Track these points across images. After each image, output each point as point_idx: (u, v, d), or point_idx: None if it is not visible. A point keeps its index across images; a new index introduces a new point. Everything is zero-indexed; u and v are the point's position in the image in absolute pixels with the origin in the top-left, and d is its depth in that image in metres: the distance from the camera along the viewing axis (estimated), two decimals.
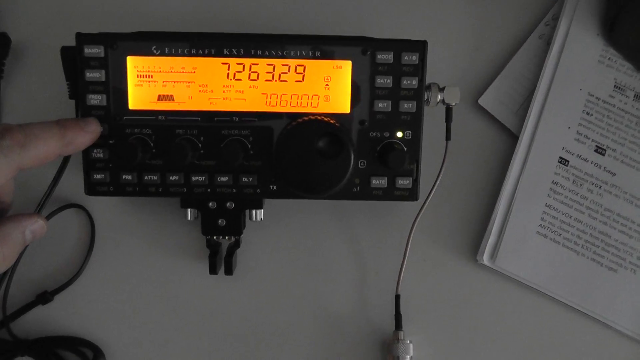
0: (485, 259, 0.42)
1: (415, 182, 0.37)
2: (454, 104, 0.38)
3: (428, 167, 0.39)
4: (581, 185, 0.44)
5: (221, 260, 0.41)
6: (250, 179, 0.37)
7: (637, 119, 0.45)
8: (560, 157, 0.44)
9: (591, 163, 0.44)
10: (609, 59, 0.45)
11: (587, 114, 0.44)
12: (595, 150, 0.44)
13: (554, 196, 0.43)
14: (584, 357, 0.43)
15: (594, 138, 0.44)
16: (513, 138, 0.44)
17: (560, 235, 0.43)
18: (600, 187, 0.44)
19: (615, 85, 0.45)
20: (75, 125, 0.34)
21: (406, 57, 0.36)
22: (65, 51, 0.37)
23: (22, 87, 0.45)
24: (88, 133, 0.34)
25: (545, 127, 0.44)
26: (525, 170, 0.43)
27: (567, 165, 0.44)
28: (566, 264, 0.43)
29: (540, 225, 0.43)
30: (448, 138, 0.39)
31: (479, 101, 0.44)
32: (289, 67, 0.36)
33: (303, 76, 0.36)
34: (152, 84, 0.37)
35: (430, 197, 0.39)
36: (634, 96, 0.45)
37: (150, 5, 0.45)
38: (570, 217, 0.43)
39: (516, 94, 0.45)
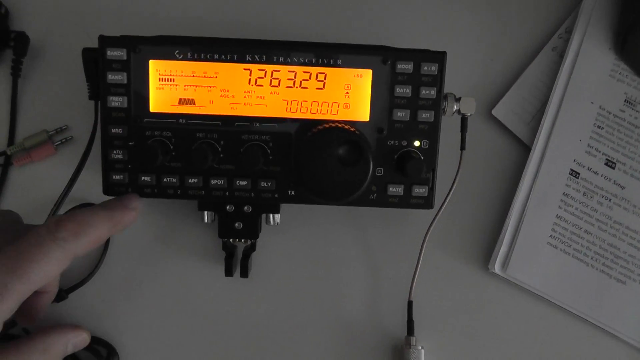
0: (497, 267, 0.43)
1: (432, 190, 0.38)
2: (469, 114, 0.39)
3: (442, 176, 0.40)
4: (591, 197, 0.44)
5: (237, 262, 0.41)
6: (269, 184, 0.37)
7: None
8: (572, 169, 0.44)
9: (601, 176, 0.45)
10: (620, 73, 0.46)
11: (598, 127, 0.45)
12: (606, 164, 0.45)
13: (564, 207, 0.44)
14: None
15: (605, 151, 0.45)
16: (525, 149, 0.45)
17: (570, 246, 0.44)
18: (610, 199, 0.44)
19: (625, 100, 0.45)
20: (120, 205, 0.35)
21: (425, 68, 0.37)
22: (87, 53, 0.38)
23: (39, 86, 0.45)
24: (132, 210, 0.35)
25: (557, 139, 0.44)
26: (537, 181, 0.44)
27: (577, 178, 0.44)
28: (576, 274, 0.43)
29: (551, 235, 0.44)
30: (463, 148, 0.40)
31: (493, 112, 0.45)
32: (310, 74, 0.37)
33: (324, 83, 0.37)
34: (173, 87, 0.37)
35: (444, 206, 0.40)
36: None
37: (170, 9, 0.45)
38: (581, 229, 0.44)
39: (529, 106, 0.45)
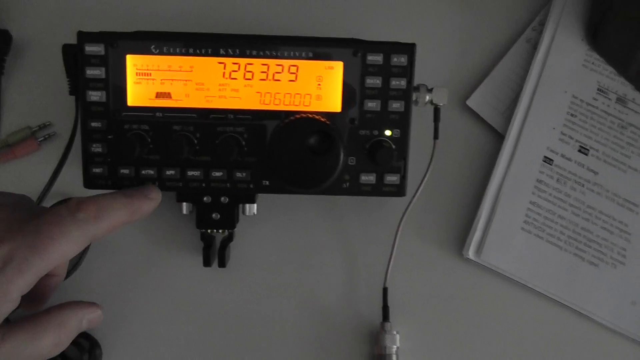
0: (471, 253, 0.44)
1: (403, 178, 0.39)
2: (442, 104, 0.40)
3: (417, 165, 0.41)
4: (565, 183, 0.45)
5: (215, 253, 0.42)
6: (244, 175, 0.38)
7: (619, 120, 0.46)
8: (545, 157, 0.45)
9: (575, 162, 0.46)
10: (593, 63, 0.47)
11: (572, 115, 0.46)
12: (579, 150, 0.46)
13: (538, 193, 0.45)
14: (566, 347, 0.44)
15: (578, 138, 0.46)
16: (499, 138, 0.46)
17: (544, 231, 0.45)
18: (583, 185, 0.45)
19: (598, 88, 0.46)
20: (140, 194, 0.36)
21: (395, 59, 0.37)
22: (67, 49, 0.38)
23: (22, 84, 0.46)
24: (152, 200, 0.36)
25: (530, 127, 0.45)
26: (510, 168, 0.45)
27: (551, 164, 0.45)
28: (549, 258, 0.44)
29: (524, 221, 0.44)
30: (436, 137, 0.41)
31: (467, 102, 0.46)
32: (283, 67, 0.37)
33: (296, 76, 0.37)
34: (150, 81, 0.38)
35: (418, 194, 0.41)
36: (616, 99, 0.46)
37: (150, 5, 0.46)
38: (554, 214, 0.45)
39: (503, 96, 0.46)
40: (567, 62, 0.46)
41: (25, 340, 0.31)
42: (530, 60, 0.46)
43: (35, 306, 0.36)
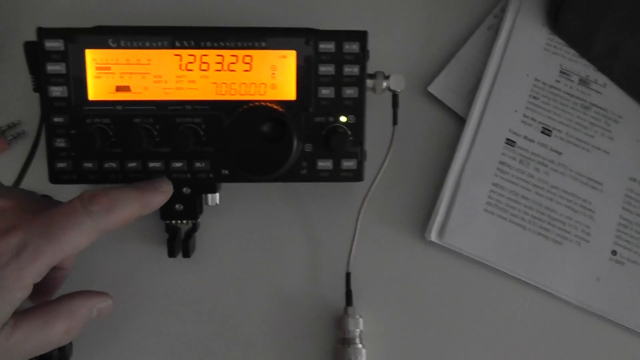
0: (433, 236, 0.44)
1: (360, 163, 0.39)
2: (399, 90, 0.40)
3: (380, 150, 0.41)
4: (528, 164, 0.46)
5: (180, 244, 0.43)
6: (204, 164, 0.39)
7: (582, 101, 0.47)
8: (507, 139, 0.46)
9: (538, 143, 0.46)
10: (555, 46, 0.47)
11: (534, 97, 0.46)
12: (542, 132, 0.46)
13: (501, 175, 0.45)
14: (531, 325, 0.45)
15: (541, 120, 0.46)
16: (462, 122, 0.46)
17: (507, 211, 0.45)
18: (547, 165, 0.46)
19: (561, 71, 0.47)
20: (151, 187, 0.36)
21: (347, 46, 0.38)
22: (28, 46, 0.39)
23: None
24: (162, 193, 0.37)
25: (492, 110, 0.46)
26: (472, 151, 0.45)
27: (514, 146, 0.46)
28: (513, 238, 0.45)
29: (487, 202, 0.45)
30: (395, 123, 0.41)
31: (429, 88, 0.46)
32: (237, 57, 0.38)
33: (251, 66, 0.38)
34: (110, 75, 0.39)
35: (378, 178, 0.41)
36: (579, 80, 0.47)
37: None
38: (517, 195, 0.45)
39: (465, 82, 0.47)
40: (528, 46, 0.47)
41: (37, 327, 0.31)
42: (492, 47, 0.47)
43: (42, 298, 0.37)
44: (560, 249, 0.45)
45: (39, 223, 0.31)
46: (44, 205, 0.34)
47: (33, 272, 0.30)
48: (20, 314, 0.31)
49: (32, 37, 0.39)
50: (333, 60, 0.38)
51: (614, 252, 0.45)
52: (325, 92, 0.38)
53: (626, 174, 0.46)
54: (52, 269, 0.32)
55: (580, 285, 0.45)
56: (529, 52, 0.47)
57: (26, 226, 0.30)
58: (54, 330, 0.32)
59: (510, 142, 0.46)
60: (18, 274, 0.29)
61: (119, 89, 0.39)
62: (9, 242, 0.30)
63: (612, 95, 0.47)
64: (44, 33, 0.38)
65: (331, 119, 0.39)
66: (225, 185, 0.42)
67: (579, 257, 0.45)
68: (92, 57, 0.38)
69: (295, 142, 0.36)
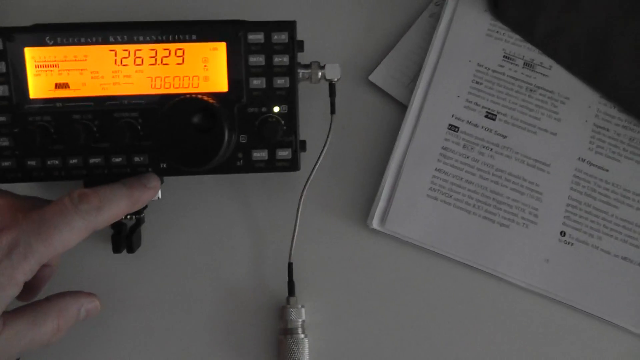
0: (375, 223, 0.45)
1: (295, 153, 0.40)
2: (335, 79, 0.41)
3: (321, 140, 0.42)
4: (472, 149, 0.46)
5: (124, 239, 0.43)
6: (142, 159, 0.39)
7: (526, 84, 0.47)
8: (450, 124, 0.46)
9: (482, 128, 0.46)
10: (497, 32, 0.47)
11: (477, 83, 0.47)
12: (486, 116, 0.46)
13: (444, 161, 0.46)
14: (480, 309, 0.45)
15: (484, 105, 0.47)
16: (404, 110, 0.46)
17: (451, 197, 0.45)
18: (492, 149, 0.46)
19: (504, 56, 0.47)
20: (139, 183, 0.37)
21: (276, 37, 0.38)
22: None
23: None
24: (150, 189, 0.38)
25: (434, 96, 0.46)
26: (414, 137, 0.46)
27: (457, 132, 0.46)
28: (457, 223, 0.45)
29: (430, 188, 0.45)
30: (332, 112, 0.41)
31: (370, 77, 0.47)
32: (170, 51, 0.38)
33: (183, 59, 0.38)
34: (49, 73, 0.39)
35: (316, 167, 0.42)
36: (524, 64, 0.47)
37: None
38: (461, 179, 0.46)
39: (407, 70, 0.47)
40: (470, 32, 0.47)
41: (26, 326, 0.32)
42: (433, 35, 0.47)
43: (29, 295, 0.37)
44: (507, 231, 0.45)
45: (29, 222, 0.32)
46: (34, 204, 0.35)
47: (25, 270, 0.31)
48: (9, 313, 0.32)
49: None
50: (263, 50, 0.38)
51: (562, 233, 0.45)
52: (257, 82, 0.39)
53: (574, 154, 0.47)
54: (40, 267, 0.33)
55: (529, 268, 0.45)
56: (471, 38, 0.47)
57: (17, 225, 0.31)
58: (43, 329, 0.33)
59: (453, 128, 0.46)
60: (10, 272, 0.30)
61: (58, 86, 0.39)
62: (1, 240, 0.31)
63: (558, 77, 0.48)
64: None
65: (264, 109, 0.39)
66: (168, 180, 0.43)
67: (527, 240, 0.45)
68: (31, 55, 0.39)
69: (226, 132, 0.37)
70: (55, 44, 0.39)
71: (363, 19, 0.47)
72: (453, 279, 0.45)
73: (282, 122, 0.39)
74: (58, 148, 0.40)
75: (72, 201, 0.33)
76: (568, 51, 0.47)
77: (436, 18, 0.48)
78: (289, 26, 0.38)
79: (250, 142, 0.39)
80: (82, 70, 0.39)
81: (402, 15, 0.48)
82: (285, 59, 0.39)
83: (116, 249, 0.42)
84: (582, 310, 0.45)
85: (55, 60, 0.39)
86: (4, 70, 0.39)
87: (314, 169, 0.42)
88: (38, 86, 0.39)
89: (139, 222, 0.43)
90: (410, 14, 0.48)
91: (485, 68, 0.47)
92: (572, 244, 0.45)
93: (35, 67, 0.39)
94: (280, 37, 0.38)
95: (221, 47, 0.38)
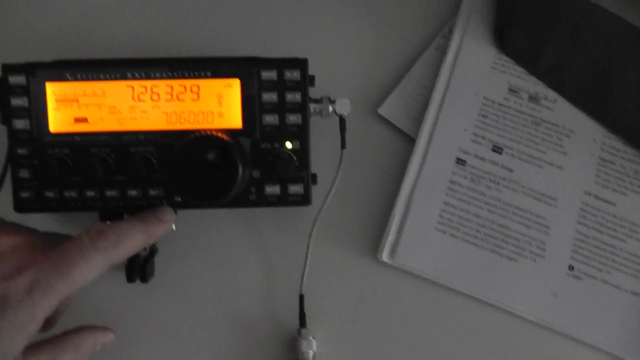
0: (385, 256, 0.45)
1: (307, 188, 0.40)
2: (346, 114, 0.42)
3: (331, 174, 0.42)
4: (479, 182, 0.47)
5: (138, 269, 0.44)
6: (157, 192, 0.40)
7: (532, 117, 0.48)
8: (458, 158, 0.47)
9: (489, 161, 0.47)
10: (502, 65, 0.48)
11: (483, 116, 0.47)
12: (492, 150, 0.47)
13: (452, 194, 0.46)
14: (489, 343, 0.45)
15: (491, 138, 0.47)
16: (413, 143, 0.47)
17: (459, 230, 0.46)
18: (499, 183, 0.47)
19: (509, 89, 0.48)
20: (154, 217, 0.38)
21: (288, 74, 0.39)
22: None
23: None
24: (165, 223, 0.39)
25: (441, 130, 0.47)
26: (422, 171, 0.46)
27: (464, 165, 0.47)
28: (466, 257, 0.45)
29: (439, 222, 0.46)
30: (343, 146, 0.42)
31: (379, 110, 0.48)
32: (185, 87, 0.40)
33: (198, 95, 0.40)
34: (68, 107, 0.40)
35: (327, 201, 0.42)
36: (529, 97, 0.48)
37: (70, 35, 0.49)
38: (469, 213, 0.46)
39: (415, 102, 0.48)
40: (476, 65, 0.48)
41: None
42: (440, 67, 0.48)
43: (47, 328, 0.38)
44: (515, 265, 0.46)
45: (49, 260, 0.33)
46: (52, 241, 0.36)
47: (45, 308, 0.32)
48: (30, 348, 0.33)
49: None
50: (276, 87, 0.40)
51: (571, 267, 0.46)
52: (270, 119, 0.40)
53: (581, 187, 0.47)
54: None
55: (537, 302, 0.45)
56: (477, 71, 0.48)
57: (38, 264, 0.32)
58: None
59: (460, 161, 0.47)
60: (31, 310, 0.31)
61: (77, 120, 0.41)
62: (22, 280, 0.32)
63: (563, 110, 0.48)
64: (8, 69, 0.40)
65: (277, 145, 0.40)
66: (181, 211, 0.44)
67: (535, 274, 0.45)
68: (52, 90, 0.40)
69: (240, 168, 0.38)
70: (76, 79, 0.40)
71: (370, 52, 0.49)
72: (462, 312, 0.46)
73: (295, 158, 0.40)
74: (76, 180, 0.41)
75: (90, 238, 0.34)
76: (572, 85, 0.48)
77: (442, 51, 0.49)
78: (301, 64, 0.40)
79: (263, 177, 0.40)
80: (100, 105, 0.40)
81: (409, 48, 0.49)
82: (297, 96, 0.40)
83: (130, 279, 0.43)
84: (591, 345, 0.45)
85: (75, 95, 0.40)
86: (25, 104, 0.40)
87: (324, 203, 0.42)
88: (58, 120, 0.40)
89: (153, 252, 0.44)
90: (417, 47, 0.49)
91: (491, 101, 0.48)
92: (581, 278, 0.46)
93: (56, 101, 0.41)
94: (293, 75, 0.40)
95: (235, 84, 0.40)
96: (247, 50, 0.45)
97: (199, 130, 0.39)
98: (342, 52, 0.49)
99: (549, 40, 0.47)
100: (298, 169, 0.40)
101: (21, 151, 0.41)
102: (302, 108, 0.40)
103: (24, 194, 0.41)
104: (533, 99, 0.48)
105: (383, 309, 0.46)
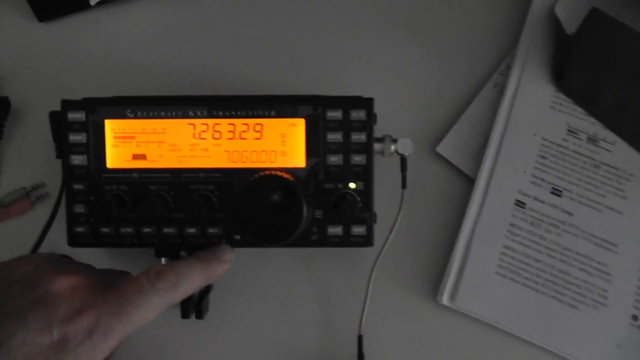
0: (445, 299, 0.44)
1: (370, 229, 0.39)
2: (407, 154, 0.41)
3: (389, 212, 0.42)
4: (539, 226, 0.45)
5: (193, 305, 0.43)
6: (216, 230, 0.40)
7: (591, 160, 0.47)
8: (517, 200, 0.46)
9: (548, 204, 0.46)
10: (561, 104, 0.47)
11: (542, 157, 0.47)
12: (552, 192, 0.46)
13: (512, 237, 0.45)
14: None
15: (550, 180, 0.46)
16: (471, 183, 0.46)
17: (519, 275, 0.45)
18: (559, 227, 0.45)
19: (568, 129, 0.47)
20: (214, 257, 0.38)
21: (354, 114, 0.39)
22: (53, 115, 0.41)
23: (20, 148, 0.49)
24: (225, 262, 0.38)
25: (500, 171, 0.46)
26: (482, 213, 0.45)
27: (524, 208, 0.46)
28: (527, 302, 0.44)
29: (499, 265, 0.45)
30: (404, 186, 0.42)
31: (437, 149, 0.47)
32: (248, 126, 0.39)
33: (261, 134, 0.39)
34: (127, 144, 0.40)
35: (388, 243, 0.41)
36: (587, 139, 0.47)
37: (131, 69, 0.49)
38: (529, 257, 0.45)
39: (473, 141, 0.47)
40: (534, 104, 0.47)
41: None
42: (498, 105, 0.47)
43: None
44: (577, 313, 0.44)
45: (109, 302, 0.32)
46: (109, 280, 0.35)
47: (104, 350, 0.31)
48: None
49: (57, 105, 0.41)
50: (341, 127, 0.39)
51: (635, 317, 0.44)
52: (334, 159, 0.39)
53: None
54: None
55: (600, 352, 0.43)
56: (536, 110, 0.47)
57: (97, 306, 0.32)
58: None
59: (520, 204, 0.46)
60: (91, 352, 0.31)
61: (135, 157, 0.40)
62: (82, 322, 0.31)
63: (622, 153, 0.47)
64: (67, 105, 0.40)
65: (340, 185, 0.39)
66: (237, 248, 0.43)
67: (597, 323, 0.44)
68: (111, 127, 0.40)
69: (305, 210, 0.37)
70: (136, 117, 0.40)
71: (428, 90, 0.48)
72: (522, 359, 0.44)
73: (358, 198, 0.39)
74: (132, 217, 0.40)
75: (149, 280, 0.34)
76: (631, 126, 0.47)
77: (500, 88, 0.48)
78: (367, 103, 0.39)
79: (325, 217, 0.40)
80: (160, 142, 0.40)
81: (466, 85, 0.49)
82: (362, 137, 0.39)
83: (185, 315, 0.42)
84: None
85: (134, 132, 0.40)
86: (84, 140, 0.40)
87: (385, 243, 0.41)
88: (116, 156, 0.40)
89: (208, 289, 0.44)
90: (474, 84, 0.49)
91: (550, 142, 0.47)
92: None
93: (114, 138, 0.40)
94: (359, 115, 0.39)
95: (300, 124, 0.39)
96: (305, 88, 0.45)
97: (262, 170, 0.39)
98: (399, 89, 0.48)
99: (609, 81, 0.46)
100: (362, 210, 0.39)
101: (77, 186, 0.41)
102: (367, 148, 0.39)
103: (79, 229, 0.41)
104: (592, 140, 0.47)
105: (442, 352, 0.45)
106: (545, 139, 0.47)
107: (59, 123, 0.41)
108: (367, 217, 0.40)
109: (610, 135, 0.48)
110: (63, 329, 0.31)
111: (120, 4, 0.50)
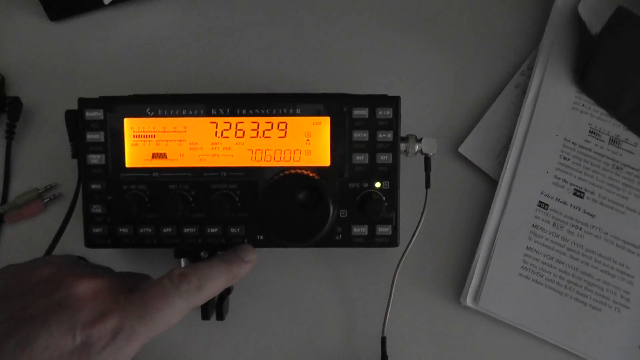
0: (469, 300, 0.44)
1: (395, 229, 0.39)
2: (431, 153, 0.41)
3: (411, 213, 0.41)
4: (561, 227, 0.45)
5: (213, 306, 0.42)
6: (238, 230, 0.39)
7: (613, 161, 0.46)
8: (540, 201, 0.45)
9: (570, 206, 0.45)
10: (583, 105, 0.47)
11: (564, 158, 0.46)
12: (574, 194, 0.46)
13: (534, 239, 0.45)
14: None
15: (572, 182, 0.46)
16: (493, 184, 0.46)
17: (542, 276, 0.44)
18: (581, 228, 0.45)
19: (590, 130, 0.47)
20: (236, 258, 0.37)
21: (380, 112, 0.38)
22: (69, 114, 0.40)
23: (31, 147, 0.48)
24: (248, 263, 0.37)
25: (523, 172, 0.45)
26: (505, 214, 0.45)
27: (546, 209, 0.45)
28: (550, 304, 0.44)
29: (522, 267, 0.44)
30: (428, 186, 0.41)
31: (459, 149, 0.46)
32: (272, 124, 0.39)
33: (285, 132, 0.39)
34: (146, 143, 0.39)
35: (412, 243, 0.41)
36: (609, 140, 0.47)
37: (147, 68, 0.48)
38: (552, 259, 0.44)
39: (495, 142, 0.47)
40: (556, 105, 0.47)
41: None
42: (520, 105, 0.47)
43: None
44: (600, 315, 0.44)
45: (132, 305, 0.32)
46: (131, 282, 0.35)
47: (128, 353, 0.31)
48: None
49: (70, 103, 0.40)
50: (367, 126, 0.38)
51: None
52: (360, 158, 0.39)
53: None
54: None
55: (623, 354, 0.43)
56: (558, 111, 0.47)
57: (120, 309, 0.31)
58: None
59: (542, 205, 0.45)
60: (115, 356, 0.30)
61: (155, 156, 0.40)
62: (105, 326, 0.31)
63: None
64: (85, 103, 0.40)
65: (366, 184, 0.39)
66: (258, 248, 0.42)
67: (620, 325, 0.43)
68: (130, 126, 0.39)
69: (331, 210, 0.36)
70: (156, 115, 0.39)
71: (450, 89, 0.48)
72: None
73: (384, 198, 0.39)
74: (151, 216, 0.39)
75: (172, 282, 0.33)
76: None
77: (522, 88, 0.48)
78: (394, 102, 0.39)
79: (350, 217, 0.39)
80: (180, 141, 0.39)
81: (488, 85, 0.48)
82: (389, 135, 0.39)
83: (205, 316, 0.41)
84: None
85: (154, 131, 0.39)
86: (102, 139, 0.40)
87: (409, 244, 0.41)
88: (135, 155, 0.39)
89: (229, 290, 0.43)
90: (496, 84, 0.48)
91: (572, 143, 0.46)
92: None
93: (134, 137, 0.40)
94: (385, 113, 0.38)
95: (325, 122, 0.39)
96: (327, 88, 0.44)
97: (287, 168, 0.38)
98: (421, 89, 0.48)
99: (632, 82, 0.46)
100: (387, 210, 0.39)
101: (95, 186, 0.40)
102: (393, 147, 0.39)
103: (96, 230, 0.40)
104: (614, 141, 0.47)
105: (465, 354, 0.44)
106: (567, 140, 0.47)
107: (75, 122, 0.40)
108: (392, 217, 0.39)
109: (632, 137, 0.47)
110: (86, 333, 0.30)
111: (134, 3, 0.49)
